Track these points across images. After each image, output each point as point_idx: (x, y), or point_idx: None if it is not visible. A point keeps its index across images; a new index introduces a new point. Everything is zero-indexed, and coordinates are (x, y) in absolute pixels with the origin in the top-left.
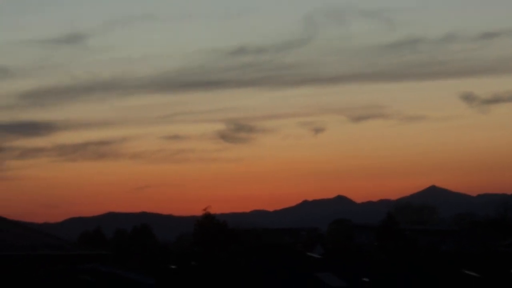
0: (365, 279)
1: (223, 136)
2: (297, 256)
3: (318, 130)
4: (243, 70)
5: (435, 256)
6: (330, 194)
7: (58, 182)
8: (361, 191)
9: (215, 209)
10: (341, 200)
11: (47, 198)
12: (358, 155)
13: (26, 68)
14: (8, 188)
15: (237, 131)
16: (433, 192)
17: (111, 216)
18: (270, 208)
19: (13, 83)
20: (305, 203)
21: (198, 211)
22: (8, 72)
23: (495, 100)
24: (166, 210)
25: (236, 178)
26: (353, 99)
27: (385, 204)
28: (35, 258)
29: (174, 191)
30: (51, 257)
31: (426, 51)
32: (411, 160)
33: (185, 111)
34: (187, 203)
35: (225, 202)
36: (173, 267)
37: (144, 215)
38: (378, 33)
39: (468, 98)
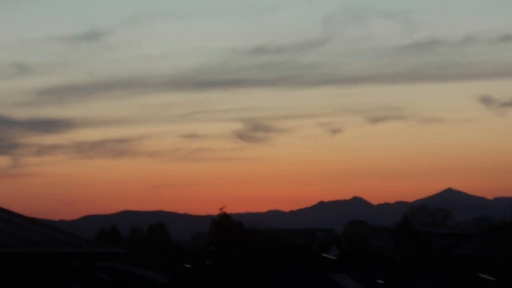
0: (380, 281)
1: (241, 136)
2: (312, 257)
3: (335, 131)
4: (262, 70)
5: (450, 259)
6: (347, 195)
7: (75, 179)
8: (378, 193)
9: (231, 209)
10: (357, 201)
11: (64, 195)
12: (375, 157)
13: (45, 65)
14: (24, 184)
15: (255, 130)
16: (449, 194)
17: (127, 214)
18: (286, 209)
19: (32, 80)
20: (321, 204)
21: (214, 211)
22: (27, 69)
23: None
24: (182, 209)
25: (253, 177)
26: (371, 100)
27: (401, 206)
28: (51, 255)
29: (191, 190)
30: (68, 255)
31: (445, 53)
32: (428, 162)
33: (203, 110)
34: (204, 202)
35: (241, 201)
36: (187, 266)
37: (160, 213)
38: (397, 34)
39: (486, 100)
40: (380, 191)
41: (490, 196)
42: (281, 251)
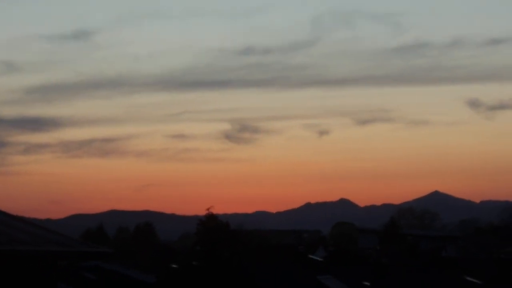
0: (367, 283)
1: (228, 136)
2: (299, 258)
3: (322, 133)
4: (250, 71)
5: (437, 262)
6: (334, 197)
7: (62, 178)
8: (365, 195)
9: (218, 209)
10: (344, 203)
11: (51, 194)
12: (362, 159)
13: (32, 63)
14: (11, 183)
15: (242, 131)
16: (436, 197)
17: (114, 214)
18: (273, 210)
19: (19, 78)
20: (308, 205)
21: (201, 211)
22: (14, 67)
23: (501, 106)
24: (169, 209)
25: (240, 178)
26: (359, 102)
27: (388, 208)
28: (37, 254)
29: (178, 190)
30: (54, 254)
31: (433, 56)
32: (415, 165)
33: (191, 110)
34: (191, 202)
35: (228, 202)
36: (174, 266)
37: (147, 213)
38: (385, 37)
39: (474, 104)
40: (367, 193)
41: (476, 199)
42: (268, 252)
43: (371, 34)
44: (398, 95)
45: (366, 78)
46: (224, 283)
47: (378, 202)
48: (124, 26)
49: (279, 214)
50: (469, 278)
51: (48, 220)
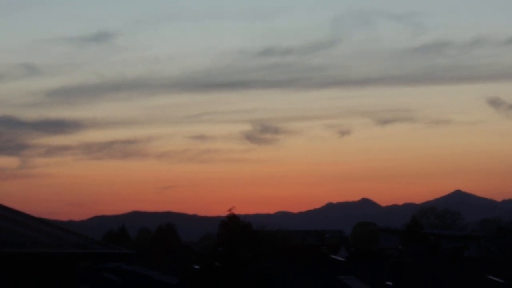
0: (389, 283)
1: (249, 137)
2: (321, 259)
3: (343, 133)
4: (270, 71)
5: (459, 261)
6: (355, 196)
7: (83, 180)
8: (386, 194)
9: (240, 210)
10: (366, 203)
11: (72, 196)
12: (384, 158)
13: (53, 66)
14: (33, 185)
15: (263, 132)
16: (458, 196)
17: (136, 215)
18: (295, 210)
19: (41, 81)
20: (329, 205)
21: (222, 212)
22: (35, 70)
23: None
24: (190, 210)
25: (261, 179)
26: (380, 102)
27: (409, 208)
28: (59, 256)
29: (199, 191)
30: (75, 255)
31: (454, 55)
32: (436, 164)
33: (211, 111)
34: (212, 203)
35: (250, 203)
36: (196, 267)
37: (168, 214)
38: (405, 37)
39: (495, 102)
40: (388, 193)
41: (498, 198)
42: (290, 252)
43: (392, 34)
44: (419, 95)
45: (386, 78)
46: (246, 284)
47: (400, 201)
48: (144, 29)
49: (301, 214)
50: (491, 277)
51: (70, 222)
